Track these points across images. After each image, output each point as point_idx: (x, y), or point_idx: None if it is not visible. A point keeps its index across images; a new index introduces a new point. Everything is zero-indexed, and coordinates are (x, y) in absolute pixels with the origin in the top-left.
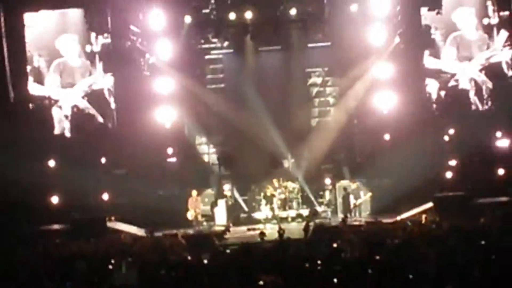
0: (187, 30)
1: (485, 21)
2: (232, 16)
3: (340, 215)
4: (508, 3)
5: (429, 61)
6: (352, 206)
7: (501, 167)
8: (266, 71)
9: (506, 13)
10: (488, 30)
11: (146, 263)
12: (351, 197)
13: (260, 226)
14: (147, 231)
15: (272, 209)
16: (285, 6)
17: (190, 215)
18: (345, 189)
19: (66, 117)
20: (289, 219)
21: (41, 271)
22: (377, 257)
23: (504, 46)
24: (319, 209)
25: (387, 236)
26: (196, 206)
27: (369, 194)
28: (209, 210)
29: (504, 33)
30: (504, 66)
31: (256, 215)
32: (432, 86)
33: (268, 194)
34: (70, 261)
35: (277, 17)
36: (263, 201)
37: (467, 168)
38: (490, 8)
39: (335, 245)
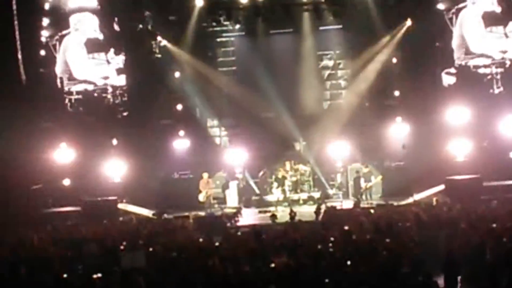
0: (199, 13)
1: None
2: None
3: (352, 198)
4: None
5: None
6: (363, 188)
7: None
8: (278, 54)
9: None
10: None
11: (155, 245)
12: (362, 180)
13: (272, 208)
14: (156, 213)
15: (283, 191)
16: None
17: (201, 197)
18: (357, 172)
19: (78, 99)
20: (301, 202)
21: (51, 254)
22: (388, 240)
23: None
24: (331, 191)
25: (398, 218)
26: (207, 188)
27: (380, 177)
28: (221, 192)
29: None
30: None
31: (268, 197)
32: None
33: (280, 176)
34: (81, 244)
35: (289, 0)
36: (275, 184)
37: (479, 150)
38: None
39: (346, 227)
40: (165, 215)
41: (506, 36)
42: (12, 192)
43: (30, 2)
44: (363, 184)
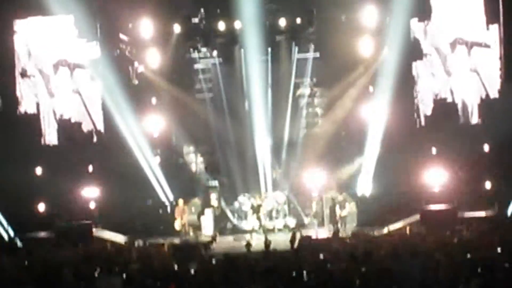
0: (176, 39)
1: (473, 35)
2: (221, 25)
3: (328, 226)
4: (498, 16)
5: (418, 73)
6: (338, 217)
7: (488, 181)
8: (255, 81)
9: (495, 26)
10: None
11: (131, 272)
12: (337, 208)
13: (247, 236)
14: (128, 240)
15: (259, 219)
16: (274, 16)
17: (177, 224)
18: (332, 199)
19: (54, 125)
20: (276, 230)
21: (27, 279)
22: (363, 269)
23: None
24: (306, 220)
25: (373, 248)
26: (183, 215)
27: (354, 204)
28: (196, 219)
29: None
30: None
31: (243, 225)
32: (420, 99)
33: (255, 204)
34: (56, 269)
35: (266, 28)
36: (250, 211)
37: (454, 181)
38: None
39: (321, 256)
40: (139, 242)
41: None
42: None
43: None
44: (338, 212)
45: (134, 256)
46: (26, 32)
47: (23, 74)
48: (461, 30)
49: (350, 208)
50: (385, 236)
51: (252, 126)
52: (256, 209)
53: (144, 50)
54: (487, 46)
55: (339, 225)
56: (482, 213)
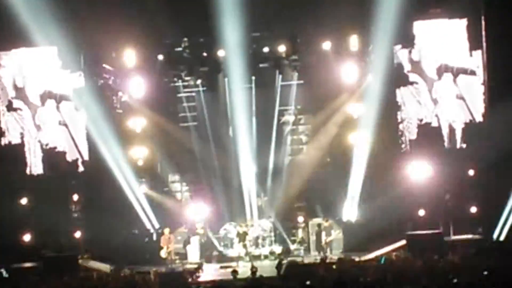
0: (160, 68)
1: (457, 61)
2: (205, 54)
3: (314, 253)
4: (481, 42)
5: (402, 99)
6: (323, 243)
7: (473, 205)
8: (239, 109)
9: (478, 52)
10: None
11: None
12: (323, 234)
13: (233, 263)
14: (114, 268)
15: (245, 246)
16: (258, 44)
17: (163, 253)
18: (318, 226)
19: (39, 154)
20: (262, 257)
21: None
22: None
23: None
24: (292, 247)
25: (359, 273)
26: (168, 244)
27: (339, 231)
28: (182, 247)
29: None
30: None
31: (229, 252)
32: (405, 124)
33: (241, 232)
34: None
35: (250, 55)
36: (236, 239)
37: (440, 205)
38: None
39: (308, 282)
40: (125, 271)
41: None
42: None
43: None
44: (324, 238)
45: (120, 285)
46: (10, 64)
47: (9, 107)
48: (445, 57)
49: (336, 234)
50: (371, 262)
51: (237, 153)
52: (242, 237)
53: (128, 79)
54: (472, 72)
55: (325, 251)
56: (468, 237)
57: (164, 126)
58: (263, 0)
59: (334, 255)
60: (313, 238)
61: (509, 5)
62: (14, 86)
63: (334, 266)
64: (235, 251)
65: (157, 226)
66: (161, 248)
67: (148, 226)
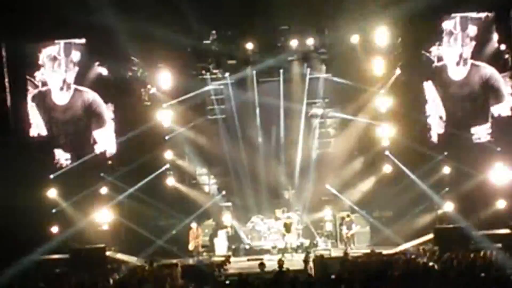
0: (188, 61)
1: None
2: (233, 47)
3: (341, 246)
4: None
5: (429, 92)
6: (344, 236)
7: (501, 199)
8: (267, 102)
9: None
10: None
11: None
12: (344, 228)
13: (260, 256)
14: (146, 261)
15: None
16: (286, 37)
17: (190, 246)
18: (341, 219)
19: (67, 147)
20: (290, 250)
21: None
22: None
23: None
24: (319, 240)
25: (387, 267)
26: (197, 237)
27: (360, 225)
28: (209, 240)
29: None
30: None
31: (256, 245)
32: (432, 118)
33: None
34: None
35: (278, 49)
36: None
37: (468, 199)
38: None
39: (334, 276)
40: (152, 263)
41: None
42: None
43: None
44: (345, 231)
45: (148, 277)
46: (38, 56)
47: (36, 99)
48: (473, 51)
49: (358, 228)
50: (398, 255)
51: (265, 146)
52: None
53: (156, 71)
54: (500, 65)
55: (347, 244)
56: (496, 232)
57: (192, 118)
58: None
59: (358, 248)
60: (339, 231)
61: None
62: (42, 78)
63: (359, 260)
64: (267, 243)
65: (184, 219)
66: (189, 241)
67: (176, 218)
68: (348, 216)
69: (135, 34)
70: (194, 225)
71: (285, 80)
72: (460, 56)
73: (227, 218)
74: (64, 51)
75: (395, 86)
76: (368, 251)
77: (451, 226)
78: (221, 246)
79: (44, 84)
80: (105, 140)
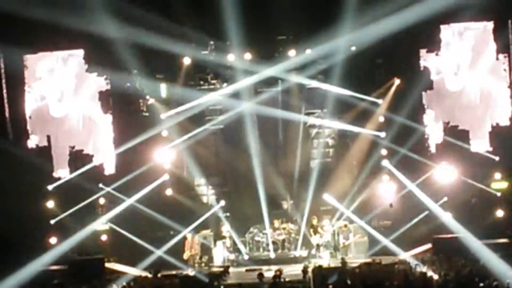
0: (186, 71)
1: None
2: (231, 57)
3: (339, 256)
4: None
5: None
6: (341, 246)
7: (500, 209)
8: (265, 112)
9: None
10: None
11: None
12: (341, 237)
13: (259, 267)
14: (151, 271)
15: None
16: (284, 48)
17: (185, 255)
18: (339, 229)
19: (65, 158)
20: (288, 260)
21: None
22: None
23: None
24: (318, 250)
25: (386, 277)
26: (192, 247)
27: (358, 235)
28: (208, 251)
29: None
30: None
31: (255, 256)
32: (431, 127)
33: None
34: None
35: (276, 59)
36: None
37: (466, 209)
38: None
39: (333, 286)
40: (151, 273)
41: None
42: None
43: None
44: (342, 240)
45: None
46: (36, 67)
47: (35, 110)
48: (472, 60)
49: (359, 238)
50: (397, 265)
51: (263, 157)
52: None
53: (154, 82)
54: (498, 75)
55: (343, 254)
56: (495, 241)
57: (190, 129)
58: (289, 3)
59: (357, 258)
60: (338, 241)
61: None
62: (40, 89)
63: (358, 270)
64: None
65: (182, 229)
66: (184, 251)
67: (174, 229)
68: (345, 226)
69: (133, 45)
70: (189, 235)
71: (283, 90)
72: (458, 66)
73: (226, 229)
74: (62, 62)
75: (394, 95)
76: (368, 260)
77: (449, 236)
78: (219, 257)
79: (42, 95)
80: (104, 151)
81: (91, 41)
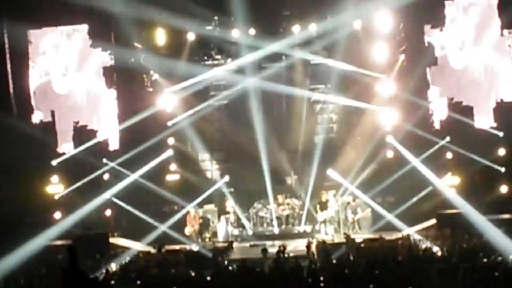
0: (190, 47)
1: (488, 41)
2: (235, 33)
3: (343, 231)
4: None
5: (432, 78)
6: (350, 221)
7: (504, 184)
8: (269, 87)
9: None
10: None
11: (147, 279)
12: (349, 212)
13: (263, 242)
14: (155, 246)
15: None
16: (288, 23)
17: (187, 231)
18: (347, 204)
19: (69, 134)
20: (292, 236)
21: None
22: (379, 274)
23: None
24: (322, 225)
25: (389, 252)
26: (194, 222)
27: (368, 210)
28: (212, 226)
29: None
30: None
31: (259, 231)
32: (435, 103)
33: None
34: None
35: (280, 34)
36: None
37: (470, 185)
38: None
39: (337, 261)
40: (155, 248)
41: None
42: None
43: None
44: (351, 216)
45: (151, 263)
46: (40, 42)
47: (40, 85)
48: (476, 36)
49: (366, 213)
50: (401, 240)
51: (267, 132)
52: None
53: (158, 58)
54: (503, 51)
55: (351, 229)
56: (498, 217)
57: (195, 104)
58: None
59: (362, 233)
60: (342, 216)
61: None
62: (44, 64)
63: (362, 245)
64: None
65: (186, 204)
66: (186, 226)
67: (178, 204)
68: (354, 200)
69: (137, 20)
70: (192, 210)
71: (288, 65)
72: (462, 41)
73: (230, 204)
74: (66, 38)
75: (398, 71)
76: (373, 236)
77: (453, 211)
78: (223, 232)
79: (46, 71)
80: (108, 127)
81: (95, 16)
